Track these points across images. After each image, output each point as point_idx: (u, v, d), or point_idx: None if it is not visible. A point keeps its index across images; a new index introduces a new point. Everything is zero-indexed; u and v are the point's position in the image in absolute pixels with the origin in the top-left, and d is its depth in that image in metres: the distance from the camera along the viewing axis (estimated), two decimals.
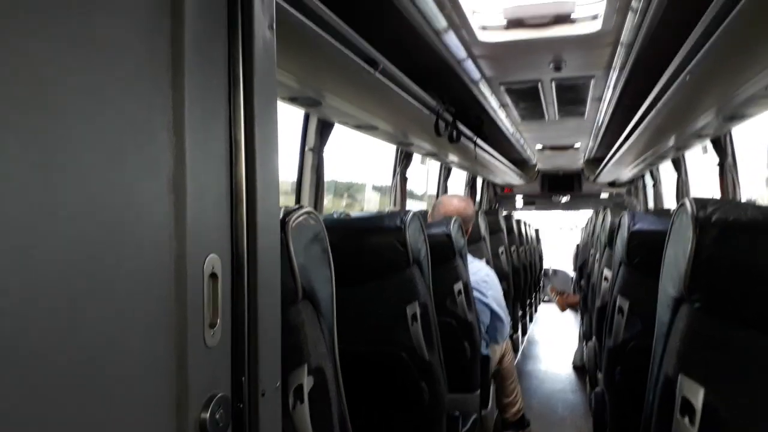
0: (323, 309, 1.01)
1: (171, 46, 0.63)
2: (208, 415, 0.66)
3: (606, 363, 1.81)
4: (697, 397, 0.80)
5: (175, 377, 0.63)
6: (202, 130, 0.67)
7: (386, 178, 4.51)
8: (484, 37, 2.36)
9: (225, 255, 0.71)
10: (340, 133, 3.03)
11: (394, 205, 4.36)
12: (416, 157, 4.55)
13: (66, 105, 0.51)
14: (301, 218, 0.96)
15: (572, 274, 7.78)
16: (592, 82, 3.15)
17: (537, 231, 7.76)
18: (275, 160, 0.81)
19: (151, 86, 0.61)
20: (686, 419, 0.81)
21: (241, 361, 0.73)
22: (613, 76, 2.95)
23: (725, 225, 0.83)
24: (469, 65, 2.75)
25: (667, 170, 5.51)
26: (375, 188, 5.17)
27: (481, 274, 2.45)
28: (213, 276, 0.68)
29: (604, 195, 8.04)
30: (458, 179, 6.85)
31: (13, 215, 0.45)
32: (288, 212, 0.94)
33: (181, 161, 0.64)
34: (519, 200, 8.61)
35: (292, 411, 0.89)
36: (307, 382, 0.91)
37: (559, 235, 10.64)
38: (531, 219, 7.50)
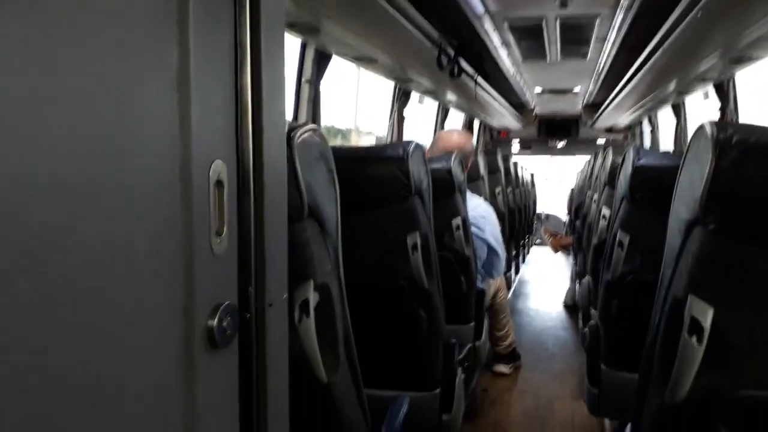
0: (328, 228, 1.00)
1: None
2: (215, 322, 0.65)
3: (603, 296, 1.83)
4: (706, 316, 0.80)
5: (182, 283, 0.62)
6: (206, 26, 0.64)
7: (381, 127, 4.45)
8: None
9: (231, 162, 0.69)
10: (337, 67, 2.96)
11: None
12: (414, 98, 4.48)
13: None
14: (306, 134, 0.93)
15: (565, 218, 7.84)
16: (598, 21, 3.08)
17: (532, 175, 7.76)
18: (281, 68, 0.78)
19: None
20: (694, 338, 0.81)
21: (248, 271, 0.72)
22: (620, 15, 2.88)
23: (746, 146, 0.81)
24: None
25: (664, 117, 5.47)
26: (368, 133, 5.10)
27: (479, 209, 2.45)
28: (219, 183, 0.66)
29: (600, 141, 8.01)
30: (455, 122, 6.78)
31: (11, 107, 0.43)
32: (293, 127, 0.91)
33: (185, 58, 0.61)
34: (515, 144, 8.57)
35: (298, 324, 0.89)
36: (313, 298, 0.90)
37: (545, 185, 10.66)
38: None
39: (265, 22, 0.72)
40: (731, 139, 0.83)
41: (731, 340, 0.80)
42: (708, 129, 0.86)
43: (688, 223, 0.90)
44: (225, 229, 0.67)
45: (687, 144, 0.95)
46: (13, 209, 0.43)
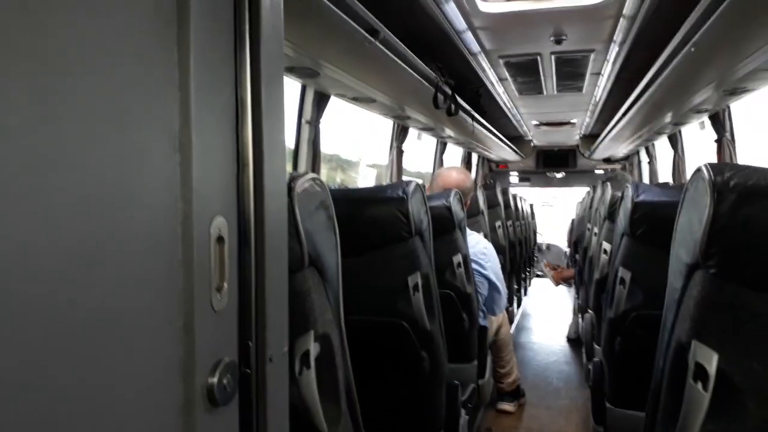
0: (329, 276, 1.00)
1: (176, 1, 0.61)
2: (215, 379, 0.64)
3: (606, 334, 1.82)
4: (711, 362, 0.79)
5: (182, 341, 0.62)
6: (208, 87, 0.65)
7: (381, 157, 4.49)
8: (484, 7, 2.32)
9: (231, 218, 0.69)
10: (337, 107, 3.00)
11: (391, 179, 4.34)
12: (412, 133, 4.52)
13: (69, 58, 0.48)
14: (306, 184, 0.94)
15: (565, 248, 7.82)
16: (592, 56, 3.12)
17: (531, 206, 7.77)
18: (281, 122, 0.79)
19: (156, 41, 0.58)
20: (699, 385, 0.80)
21: (248, 326, 0.72)
22: (614, 49, 2.93)
23: (744, 190, 0.82)
24: (469, 37, 2.72)
25: (662, 147, 5.50)
26: (369, 166, 5.14)
27: (479, 246, 2.45)
28: (220, 239, 0.66)
29: (598, 171, 8.04)
30: (453, 155, 6.82)
31: (13, 171, 0.43)
32: (293, 177, 0.92)
33: (187, 119, 0.61)
34: (514, 176, 8.61)
35: (298, 377, 0.88)
36: (314, 349, 0.90)
37: (541, 210, 10.69)
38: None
39: (265, 77, 0.73)
40: (729, 183, 0.83)
41: (738, 386, 0.79)
42: (705, 172, 0.86)
43: (688, 266, 0.90)
44: (225, 284, 0.67)
45: (686, 176, 0.96)
46: (13, 270, 0.43)
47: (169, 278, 0.60)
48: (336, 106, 2.96)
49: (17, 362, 0.43)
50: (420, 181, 1.98)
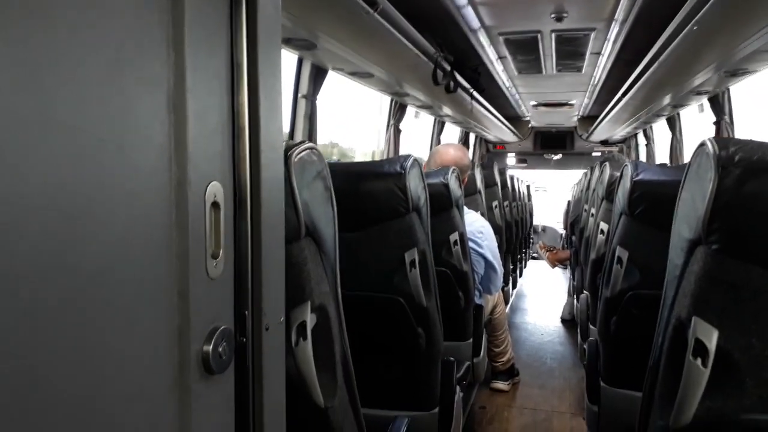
0: (326, 248, 0.99)
1: None
2: (210, 347, 0.63)
3: (602, 313, 1.82)
4: (711, 339, 0.79)
5: (176, 307, 0.61)
6: (202, 49, 0.63)
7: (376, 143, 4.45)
8: None
9: (227, 184, 0.68)
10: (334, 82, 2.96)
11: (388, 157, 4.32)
12: (409, 113, 4.49)
13: (60, 13, 0.46)
14: (303, 153, 0.92)
15: (561, 231, 7.83)
16: (593, 35, 3.09)
17: (528, 187, 7.76)
18: (278, 88, 0.77)
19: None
20: (699, 361, 0.80)
21: (245, 294, 0.71)
22: (615, 28, 2.90)
23: (748, 164, 0.80)
24: (469, 12, 2.68)
25: (659, 130, 5.49)
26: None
27: (476, 225, 2.44)
28: (215, 205, 0.65)
29: (596, 154, 8.03)
30: (450, 135, 6.79)
31: (3, 127, 0.41)
32: (290, 146, 0.90)
33: (181, 80, 0.60)
34: (511, 158, 8.58)
35: (294, 347, 0.87)
36: (310, 320, 0.89)
37: (542, 196, 10.69)
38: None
39: (261, 41, 0.71)
40: (734, 158, 0.82)
41: (737, 363, 0.79)
42: (710, 146, 0.85)
43: (690, 242, 0.89)
44: (221, 251, 0.66)
45: (683, 158, 0.94)
46: (4, 233, 0.42)
47: (163, 243, 0.59)
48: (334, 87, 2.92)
49: (8, 328, 0.42)
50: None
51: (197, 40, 0.61)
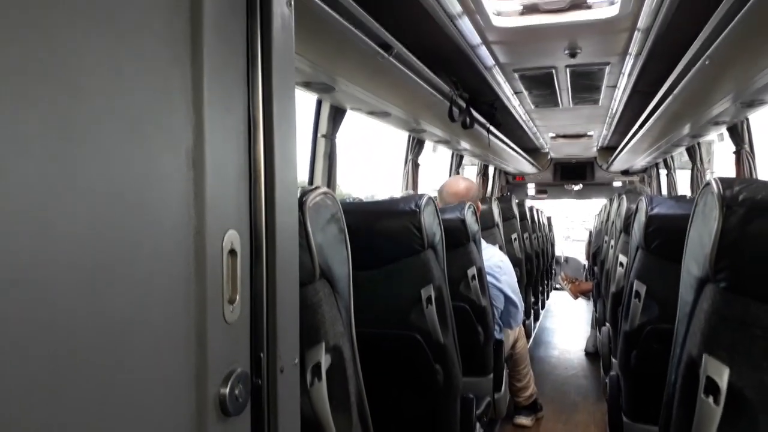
0: (340, 289, 1.01)
1: (190, 22, 0.63)
2: (227, 390, 0.66)
3: (622, 347, 1.80)
4: (722, 377, 0.79)
5: (194, 352, 0.63)
6: (220, 106, 0.67)
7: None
8: (498, 22, 2.33)
9: (244, 231, 0.71)
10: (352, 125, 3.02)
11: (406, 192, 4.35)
12: (427, 146, 4.54)
13: (84, 78, 0.50)
14: (318, 198, 0.95)
15: (584, 261, 7.75)
16: (608, 68, 3.12)
17: (549, 218, 7.72)
18: (293, 137, 0.81)
19: (169, 62, 0.60)
20: (710, 399, 0.80)
21: (260, 337, 0.73)
22: (629, 62, 2.92)
23: (753, 204, 0.82)
24: (483, 51, 2.73)
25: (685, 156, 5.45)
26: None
27: (494, 259, 2.45)
28: (232, 252, 0.68)
29: (617, 183, 7.98)
30: (470, 167, 6.82)
31: (31, 190, 0.45)
32: (305, 192, 0.94)
33: (200, 137, 0.63)
34: (531, 188, 8.57)
35: (309, 388, 0.89)
36: (325, 360, 0.91)
37: (565, 223, 10.63)
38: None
39: (276, 94, 0.75)
40: (738, 197, 0.83)
41: (749, 400, 0.79)
42: (714, 186, 0.87)
43: (699, 280, 0.90)
44: (237, 296, 0.69)
45: (695, 198, 0.96)
46: (29, 283, 0.45)
47: (182, 290, 0.62)
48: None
49: (32, 373, 0.45)
50: (434, 194, 1.99)
51: (215, 99, 0.65)
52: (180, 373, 0.62)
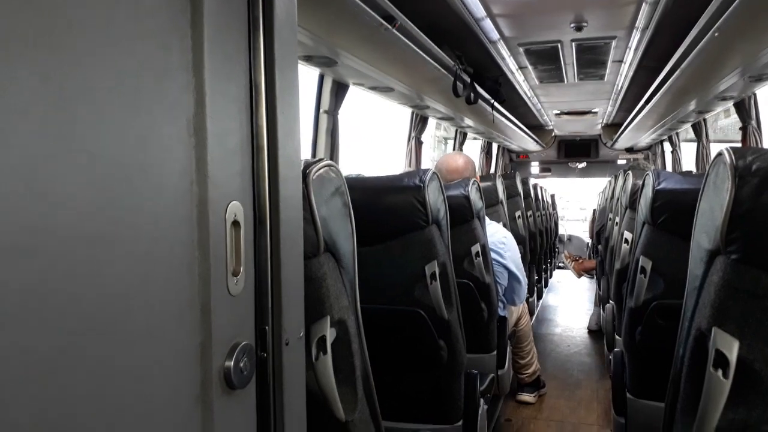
0: (345, 263, 1.00)
1: None
2: (232, 362, 0.65)
3: (627, 323, 1.80)
4: (732, 350, 0.78)
5: (199, 324, 0.62)
6: (221, 72, 0.65)
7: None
8: None
9: (247, 203, 0.69)
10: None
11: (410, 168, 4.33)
12: (430, 124, 4.51)
13: (82, 43, 0.49)
14: (321, 170, 0.94)
15: (587, 240, 7.74)
16: (614, 43, 3.07)
17: (553, 196, 7.70)
18: (296, 108, 0.79)
19: (170, 26, 0.59)
20: (719, 372, 0.79)
21: (265, 310, 0.72)
22: (636, 36, 2.88)
23: (766, 173, 0.80)
24: (488, 24, 2.69)
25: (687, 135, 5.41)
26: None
27: (498, 236, 2.44)
28: (235, 224, 0.67)
29: (621, 161, 7.94)
30: (473, 144, 6.78)
31: (29, 155, 0.44)
32: (309, 164, 0.92)
33: (201, 104, 0.62)
34: (534, 167, 8.53)
35: (315, 362, 0.88)
36: (330, 334, 0.90)
37: (567, 206, 10.60)
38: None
39: (279, 63, 0.73)
40: (751, 167, 0.82)
41: (759, 373, 0.78)
42: (726, 156, 0.85)
43: (709, 252, 0.89)
44: (242, 269, 0.68)
45: (707, 169, 0.94)
46: (31, 256, 0.44)
47: (185, 262, 0.60)
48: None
49: (32, 345, 0.44)
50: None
51: (217, 65, 0.64)
52: (185, 345, 0.61)
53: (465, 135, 5.77)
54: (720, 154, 0.88)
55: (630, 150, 7.66)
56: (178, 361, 0.60)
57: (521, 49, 3.18)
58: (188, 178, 0.61)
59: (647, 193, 1.69)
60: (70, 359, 0.47)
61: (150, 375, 0.56)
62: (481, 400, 1.89)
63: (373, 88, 2.93)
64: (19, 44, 0.43)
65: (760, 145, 3.68)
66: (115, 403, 0.52)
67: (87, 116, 0.49)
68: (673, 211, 1.61)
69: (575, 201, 10.51)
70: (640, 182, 1.88)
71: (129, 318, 0.53)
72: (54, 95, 0.46)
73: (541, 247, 5.25)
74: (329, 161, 0.98)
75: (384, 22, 1.86)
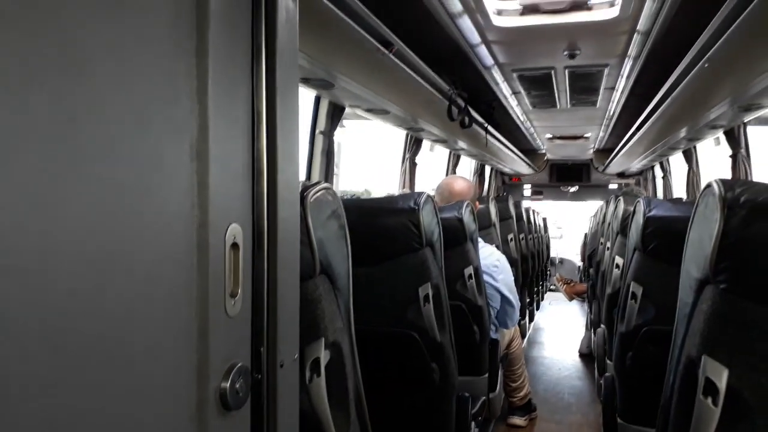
0: (340, 285, 1.01)
1: (195, 12, 0.63)
2: (228, 384, 0.66)
3: (618, 349, 1.81)
4: (721, 378, 0.79)
5: (196, 345, 0.63)
6: (224, 98, 0.66)
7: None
8: (499, 22, 2.33)
9: (246, 225, 0.71)
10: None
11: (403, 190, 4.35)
12: (425, 146, 4.54)
13: (89, 67, 0.50)
14: (319, 193, 0.95)
15: (578, 263, 7.77)
16: (606, 70, 3.12)
17: (545, 220, 7.74)
18: (296, 132, 0.81)
19: (175, 52, 0.60)
20: (709, 400, 0.80)
21: (261, 332, 0.73)
22: (628, 64, 2.92)
23: (754, 206, 0.82)
24: (483, 50, 2.73)
25: (676, 162, 5.47)
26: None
27: (492, 258, 2.45)
28: (234, 246, 0.68)
29: (612, 186, 8.01)
30: (466, 167, 6.83)
31: (34, 177, 0.45)
32: (306, 187, 0.94)
33: (204, 129, 0.63)
34: (527, 189, 8.58)
35: (308, 384, 0.89)
36: (324, 356, 0.91)
37: (559, 232, 10.62)
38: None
39: (280, 89, 0.75)
40: (739, 199, 0.83)
41: (747, 402, 0.79)
42: (716, 188, 0.87)
43: (699, 281, 0.90)
44: (239, 290, 0.69)
45: (699, 192, 0.96)
46: (30, 275, 0.45)
47: (184, 283, 0.61)
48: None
49: (30, 364, 0.45)
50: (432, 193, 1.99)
51: (220, 90, 0.65)
52: (182, 366, 0.61)
53: (458, 157, 5.81)
54: (709, 185, 0.90)
55: (621, 175, 7.73)
56: (175, 381, 0.61)
57: (515, 75, 3.22)
58: (190, 200, 0.62)
59: (638, 220, 1.72)
60: (67, 376, 0.48)
61: (147, 394, 0.56)
62: (473, 423, 1.88)
63: (369, 111, 2.96)
64: (26, 67, 0.44)
65: (749, 173, 3.73)
66: (112, 421, 0.52)
67: (94, 138, 0.50)
68: (664, 238, 1.63)
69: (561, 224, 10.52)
70: (632, 208, 1.91)
71: (127, 337, 0.54)
72: (63, 116, 0.47)
73: (533, 270, 5.26)
74: (326, 184, 0.99)
75: (381, 47, 1.90)
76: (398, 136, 4.05)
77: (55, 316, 0.46)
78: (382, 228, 1.63)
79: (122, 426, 0.53)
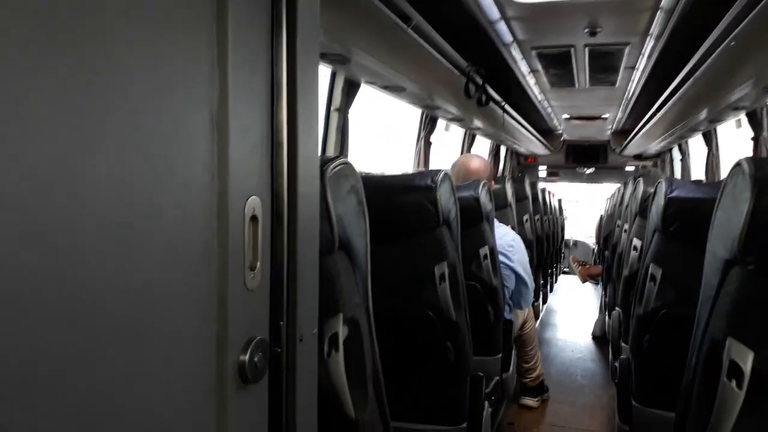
0: (358, 261, 1.00)
1: None
2: (247, 357, 0.65)
3: (634, 331, 1.79)
4: (746, 360, 0.78)
5: (215, 318, 0.62)
6: (245, 67, 0.65)
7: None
8: None
9: (265, 198, 0.70)
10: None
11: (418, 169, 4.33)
12: (439, 125, 4.50)
13: (110, 35, 0.49)
14: (338, 168, 0.94)
15: (593, 245, 7.72)
16: (627, 49, 3.07)
17: (560, 201, 7.68)
18: (316, 105, 0.79)
19: (195, 21, 0.59)
20: (733, 383, 0.79)
21: (280, 306, 0.72)
22: (650, 43, 2.87)
23: None
24: (502, 27, 2.69)
25: (694, 144, 5.39)
26: None
27: (507, 238, 2.43)
28: (254, 218, 0.67)
29: (629, 168, 7.91)
30: (481, 147, 6.77)
31: (56, 144, 0.44)
32: (325, 161, 0.92)
33: (224, 98, 0.62)
34: (542, 170, 8.51)
35: (327, 359, 0.88)
36: (342, 332, 0.90)
37: (574, 207, 10.54)
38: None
39: (300, 60, 0.73)
40: None
41: None
42: (746, 166, 0.84)
43: (725, 262, 0.88)
44: (258, 263, 0.68)
45: (720, 174, 0.93)
46: (52, 246, 0.44)
47: (204, 255, 0.61)
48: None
49: (51, 334, 0.44)
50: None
51: (240, 59, 0.64)
52: (201, 338, 0.61)
53: (474, 137, 5.76)
54: (738, 164, 0.87)
55: (639, 157, 7.63)
56: (194, 353, 0.60)
57: (534, 53, 3.17)
58: (210, 171, 0.61)
59: (659, 201, 1.69)
60: (91, 349, 0.47)
61: (166, 366, 0.56)
62: (486, 403, 1.88)
63: (384, 87, 2.93)
64: (49, 34, 0.43)
65: None
66: (131, 392, 0.52)
67: (116, 107, 0.49)
68: (686, 219, 1.61)
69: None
70: (652, 190, 1.87)
71: (148, 307, 0.53)
72: (85, 86, 0.46)
73: (548, 252, 5.24)
74: (345, 159, 0.97)
75: (400, 21, 1.86)
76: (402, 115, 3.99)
77: (78, 287, 0.46)
78: (398, 206, 1.61)
79: (142, 396, 0.53)
